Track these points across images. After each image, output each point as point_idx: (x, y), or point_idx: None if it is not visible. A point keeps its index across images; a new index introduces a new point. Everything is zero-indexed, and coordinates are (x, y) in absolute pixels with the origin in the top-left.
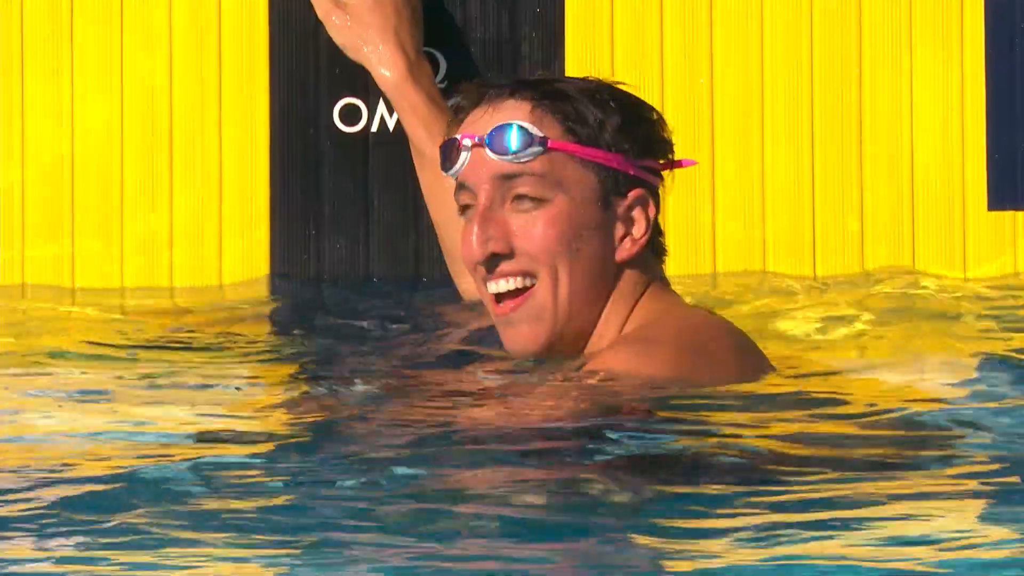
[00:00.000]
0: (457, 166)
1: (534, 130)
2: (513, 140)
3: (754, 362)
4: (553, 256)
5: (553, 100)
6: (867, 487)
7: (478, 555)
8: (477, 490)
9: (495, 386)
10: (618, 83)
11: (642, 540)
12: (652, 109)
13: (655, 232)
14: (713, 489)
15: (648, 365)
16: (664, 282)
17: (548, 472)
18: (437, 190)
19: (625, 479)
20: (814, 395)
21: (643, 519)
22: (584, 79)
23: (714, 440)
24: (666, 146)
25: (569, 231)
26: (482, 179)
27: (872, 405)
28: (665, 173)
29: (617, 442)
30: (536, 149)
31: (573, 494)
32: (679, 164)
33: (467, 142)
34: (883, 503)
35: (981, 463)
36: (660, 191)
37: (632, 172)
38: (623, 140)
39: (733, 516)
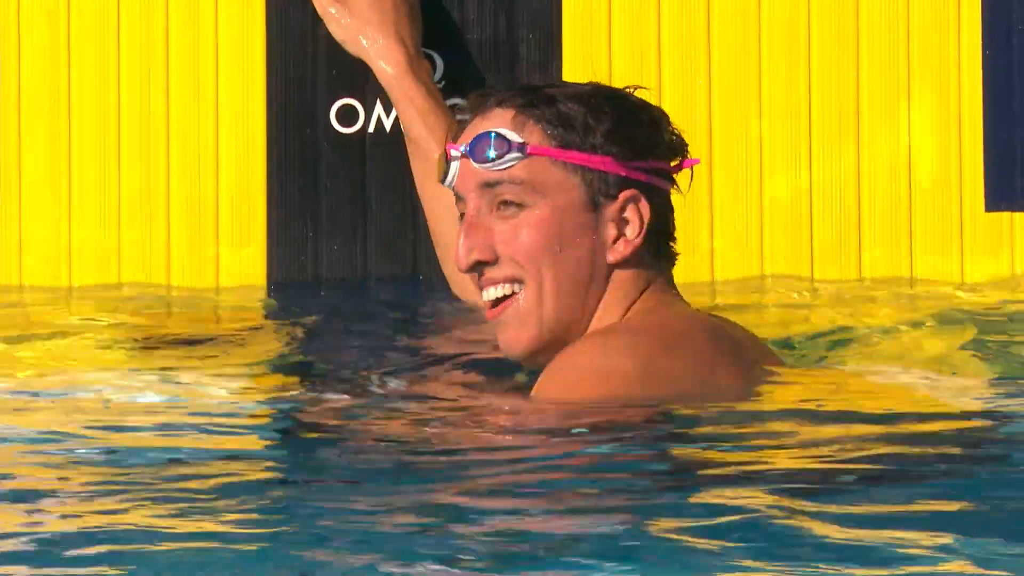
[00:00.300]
0: (449, 177)
1: (512, 136)
2: (491, 148)
3: (741, 365)
4: (537, 261)
5: (537, 106)
6: (832, 502)
7: (458, 559)
8: (446, 499)
9: (473, 389)
10: (636, 87)
11: (609, 542)
12: (655, 110)
13: (655, 233)
14: (673, 487)
15: (607, 357)
16: (668, 284)
17: (516, 479)
18: (431, 185)
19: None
20: (790, 400)
21: (600, 520)
22: (587, 84)
23: (659, 439)
24: (670, 147)
25: (553, 235)
26: (469, 188)
27: (862, 408)
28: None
29: (570, 444)
30: (515, 155)
31: (542, 497)
32: (680, 165)
33: (455, 152)
34: (862, 511)
35: (977, 467)
36: (671, 192)
37: (624, 173)
38: (614, 142)
39: (686, 517)
